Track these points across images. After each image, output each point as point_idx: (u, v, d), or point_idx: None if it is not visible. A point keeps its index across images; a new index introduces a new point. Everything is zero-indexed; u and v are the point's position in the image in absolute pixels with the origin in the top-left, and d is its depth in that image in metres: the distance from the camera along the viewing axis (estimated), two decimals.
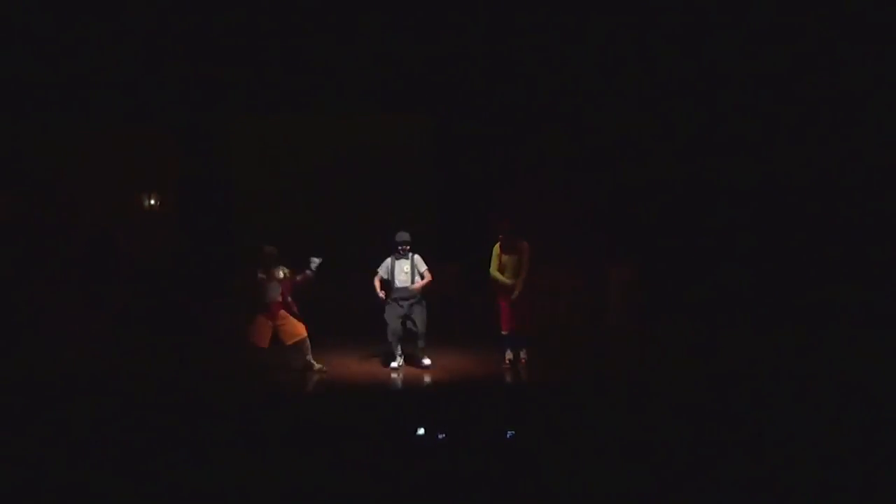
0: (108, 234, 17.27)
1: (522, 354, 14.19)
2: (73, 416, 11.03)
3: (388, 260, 14.16)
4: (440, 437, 9.97)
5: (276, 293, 13.54)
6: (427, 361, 14.16)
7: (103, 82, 16.79)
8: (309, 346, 13.79)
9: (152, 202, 18.06)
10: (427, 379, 13.64)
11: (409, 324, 14.14)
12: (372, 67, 17.47)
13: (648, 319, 17.07)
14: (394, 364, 14.23)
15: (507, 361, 14.08)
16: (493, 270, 14.05)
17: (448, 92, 17.95)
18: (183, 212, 18.10)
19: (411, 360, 14.41)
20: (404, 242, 14.12)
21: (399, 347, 14.24)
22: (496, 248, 14.05)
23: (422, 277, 14.09)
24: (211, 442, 10.04)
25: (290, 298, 13.63)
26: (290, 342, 13.64)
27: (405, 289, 14.06)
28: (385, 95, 17.83)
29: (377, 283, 14.07)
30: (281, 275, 13.57)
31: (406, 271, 14.09)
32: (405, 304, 14.04)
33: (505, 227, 13.94)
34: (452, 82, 17.81)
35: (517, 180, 18.73)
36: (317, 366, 13.79)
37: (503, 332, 14.12)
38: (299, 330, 13.67)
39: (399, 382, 13.64)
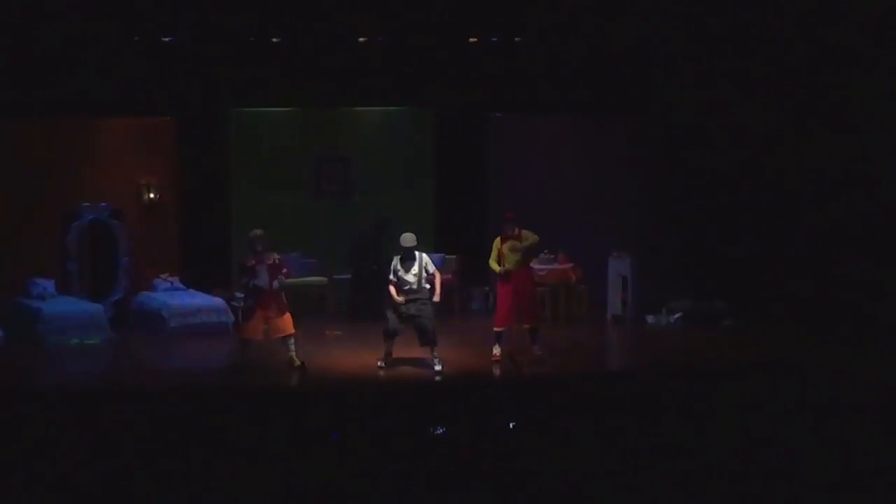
0: (108, 226, 17.16)
1: (535, 349, 14.05)
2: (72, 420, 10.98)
3: (396, 261, 13.64)
4: (438, 432, 9.95)
5: (266, 280, 13.32)
6: (438, 367, 13.50)
7: (102, 74, 16.60)
8: (293, 342, 13.53)
9: (152, 195, 17.76)
10: (425, 373, 13.55)
11: (416, 324, 13.56)
12: (371, 58, 17.41)
13: (646, 312, 17.04)
14: (380, 363, 13.74)
15: (496, 356, 13.91)
16: (492, 261, 14.03)
17: (446, 83, 17.92)
18: (183, 205, 18.01)
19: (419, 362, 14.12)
20: (411, 246, 13.57)
21: (390, 347, 13.79)
22: (497, 241, 14.01)
23: (430, 277, 13.58)
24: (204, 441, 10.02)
25: (277, 285, 13.38)
26: (277, 335, 13.46)
27: (410, 290, 13.50)
28: (385, 87, 17.78)
29: (394, 291, 13.53)
30: (272, 260, 13.35)
31: (414, 273, 13.54)
32: (411, 305, 13.49)
33: (509, 219, 13.93)
34: (451, 74, 17.79)
35: (515, 172, 18.85)
36: (297, 362, 13.45)
37: (496, 329, 13.98)
38: (288, 325, 13.47)
39: (397, 378, 13.51)
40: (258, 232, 13.44)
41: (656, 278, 17.54)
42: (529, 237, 13.92)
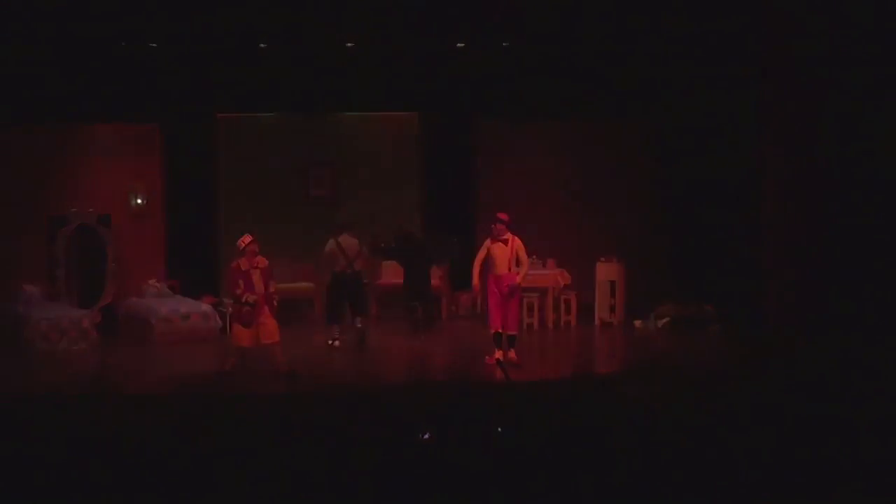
0: (95, 231, 17.18)
1: (510, 354, 13.95)
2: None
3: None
4: (424, 437, 9.84)
5: (260, 285, 13.37)
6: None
7: (88, 80, 16.68)
8: (281, 349, 13.58)
9: (139, 201, 17.85)
10: (411, 376, 13.75)
11: None
12: (358, 63, 17.42)
13: (635, 317, 17.05)
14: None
15: (495, 360, 13.68)
16: (476, 262, 14.04)
17: (433, 87, 18.01)
18: (170, 211, 18.04)
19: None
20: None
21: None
22: (487, 242, 13.97)
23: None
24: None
25: (270, 290, 13.48)
26: (265, 342, 13.45)
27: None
28: (372, 91, 17.82)
29: None
30: (264, 264, 13.44)
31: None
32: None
33: (501, 220, 13.88)
34: (438, 78, 17.88)
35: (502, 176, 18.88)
36: (285, 368, 13.46)
37: (493, 331, 13.95)
38: (274, 333, 13.45)
39: (380, 379, 13.76)
40: (248, 238, 13.44)
41: (644, 283, 17.57)
42: (522, 256, 13.91)
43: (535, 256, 16.63)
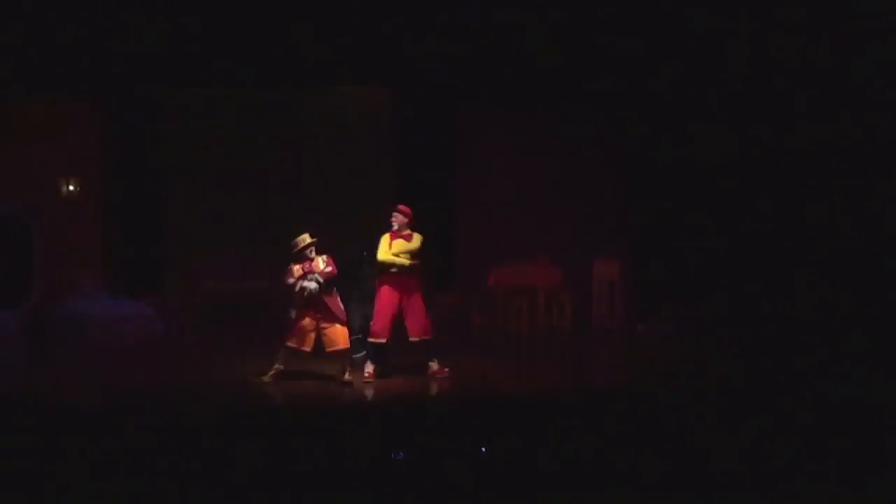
0: (22, 222, 16.75)
1: (434, 364, 13.20)
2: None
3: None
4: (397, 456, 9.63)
5: (315, 285, 13.05)
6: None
7: (11, 50, 15.98)
8: (347, 356, 13.30)
9: (70, 188, 17.45)
10: (380, 391, 13.06)
11: None
12: (322, 32, 16.70)
13: (637, 320, 16.77)
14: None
15: (367, 374, 13.06)
16: (386, 255, 13.25)
17: (408, 59, 17.23)
18: (107, 200, 17.57)
19: None
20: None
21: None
22: (385, 237, 13.24)
23: None
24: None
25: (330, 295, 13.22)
26: (329, 349, 13.07)
27: None
28: (336, 66, 17.19)
29: None
30: (321, 266, 13.05)
31: None
32: None
33: (401, 212, 13.24)
34: (413, 48, 17.07)
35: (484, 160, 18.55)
36: (347, 377, 13.00)
37: (371, 340, 13.18)
38: (342, 339, 13.09)
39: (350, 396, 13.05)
40: (305, 236, 13.12)
41: (647, 282, 17.18)
42: (417, 238, 13.28)
43: (524, 252, 17.06)
